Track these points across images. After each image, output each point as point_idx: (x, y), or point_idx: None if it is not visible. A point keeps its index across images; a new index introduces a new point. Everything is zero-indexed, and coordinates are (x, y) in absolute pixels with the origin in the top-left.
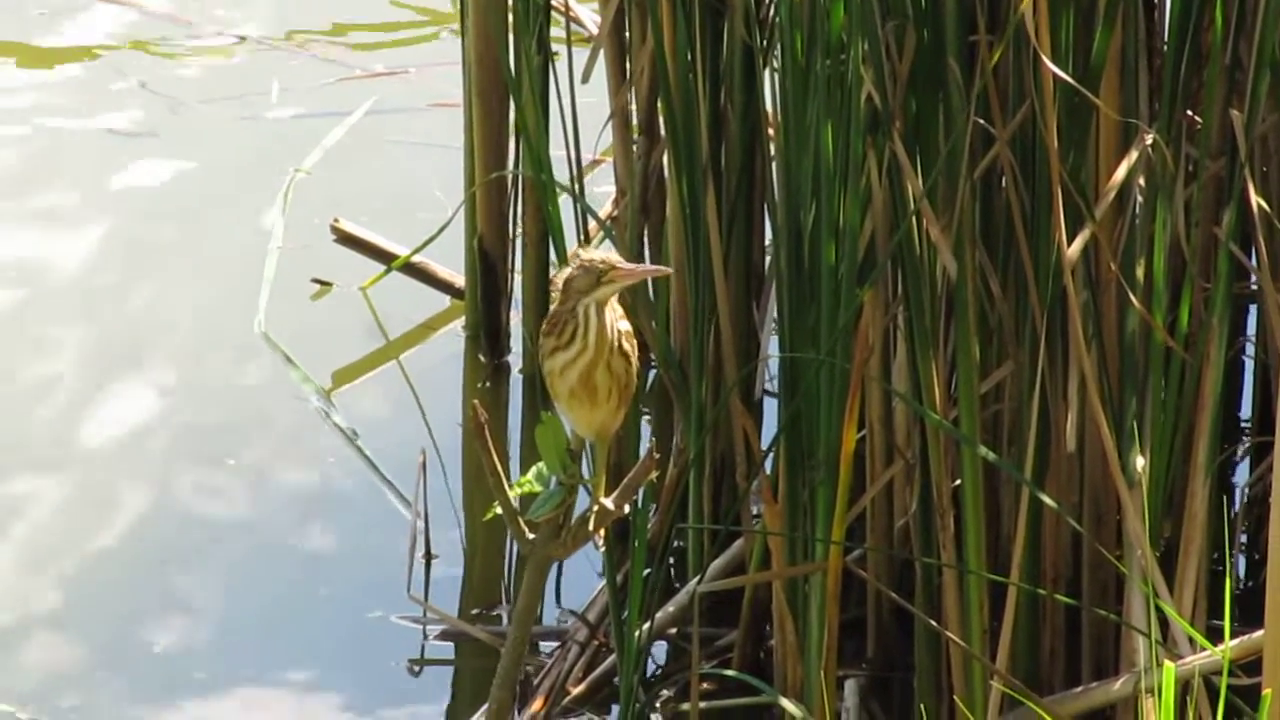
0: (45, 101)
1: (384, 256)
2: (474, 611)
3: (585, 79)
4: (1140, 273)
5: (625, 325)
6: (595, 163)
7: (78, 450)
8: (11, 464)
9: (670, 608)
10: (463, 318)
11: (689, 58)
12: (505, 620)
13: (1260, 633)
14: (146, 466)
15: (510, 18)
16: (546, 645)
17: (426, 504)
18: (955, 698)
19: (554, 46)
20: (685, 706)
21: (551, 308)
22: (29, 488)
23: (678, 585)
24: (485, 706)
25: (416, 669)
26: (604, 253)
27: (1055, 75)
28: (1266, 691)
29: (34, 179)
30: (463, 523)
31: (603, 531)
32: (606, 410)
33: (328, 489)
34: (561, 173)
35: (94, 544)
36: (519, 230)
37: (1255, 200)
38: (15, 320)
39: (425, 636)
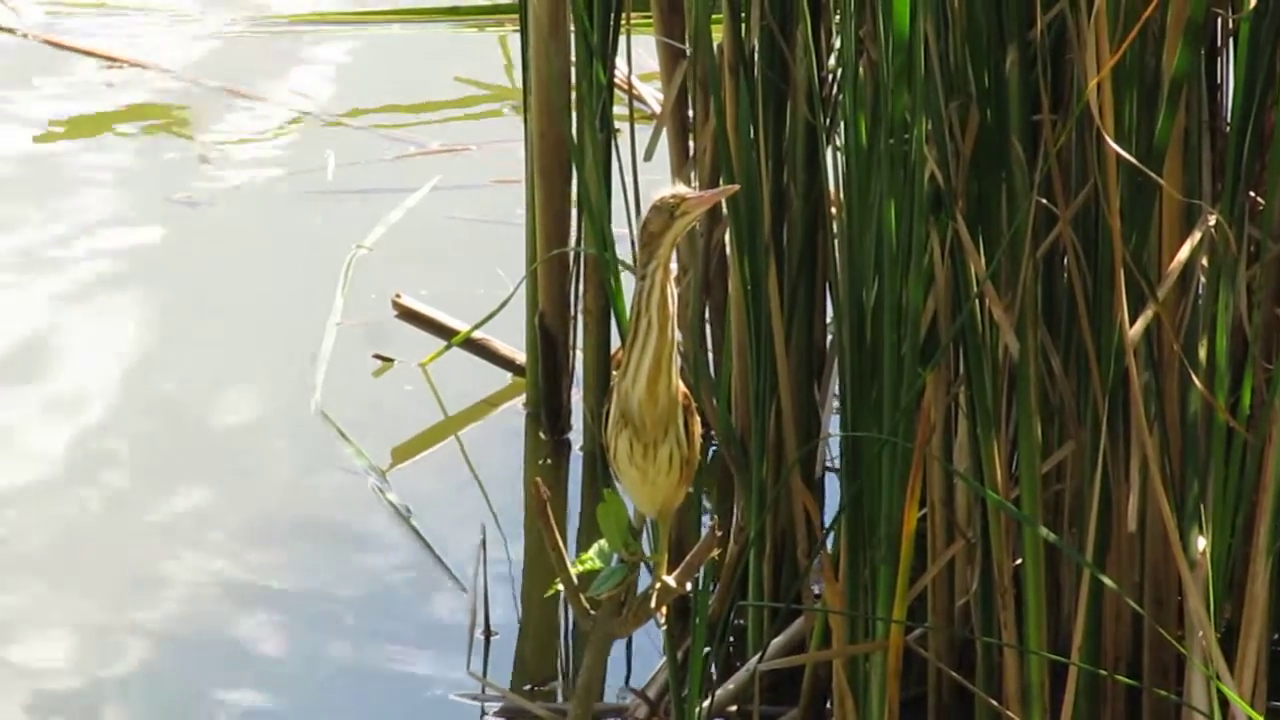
0: (105, 171)
1: (445, 332)
2: (527, 687)
3: (648, 156)
4: (1203, 353)
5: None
6: None
7: (136, 524)
8: (69, 535)
9: (730, 685)
10: (523, 395)
11: (751, 136)
12: (561, 696)
13: None
14: (204, 542)
15: (573, 95)
16: None
17: (486, 580)
18: None
19: (616, 124)
20: None
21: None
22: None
23: (738, 663)
24: None
25: None
26: (671, 189)
27: (1119, 155)
28: None
29: (91, 248)
30: (522, 600)
31: (664, 609)
32: (668, 485)
33: (386, 565)
34: (624, 250)
35: (148, 620)
36: (580, 307)
37: None
38: (70, 400)
39: (484, 713)
